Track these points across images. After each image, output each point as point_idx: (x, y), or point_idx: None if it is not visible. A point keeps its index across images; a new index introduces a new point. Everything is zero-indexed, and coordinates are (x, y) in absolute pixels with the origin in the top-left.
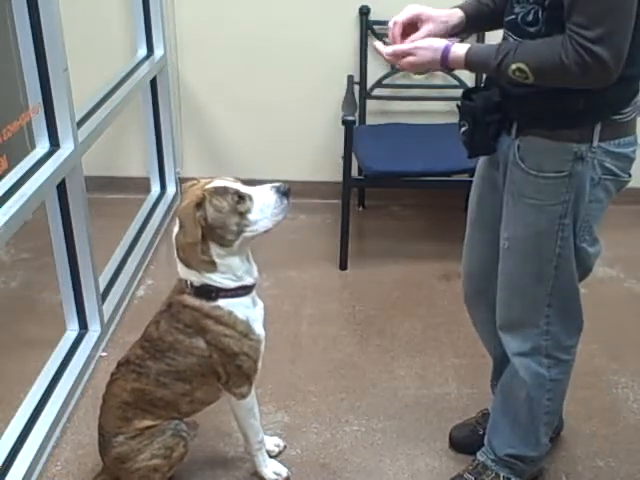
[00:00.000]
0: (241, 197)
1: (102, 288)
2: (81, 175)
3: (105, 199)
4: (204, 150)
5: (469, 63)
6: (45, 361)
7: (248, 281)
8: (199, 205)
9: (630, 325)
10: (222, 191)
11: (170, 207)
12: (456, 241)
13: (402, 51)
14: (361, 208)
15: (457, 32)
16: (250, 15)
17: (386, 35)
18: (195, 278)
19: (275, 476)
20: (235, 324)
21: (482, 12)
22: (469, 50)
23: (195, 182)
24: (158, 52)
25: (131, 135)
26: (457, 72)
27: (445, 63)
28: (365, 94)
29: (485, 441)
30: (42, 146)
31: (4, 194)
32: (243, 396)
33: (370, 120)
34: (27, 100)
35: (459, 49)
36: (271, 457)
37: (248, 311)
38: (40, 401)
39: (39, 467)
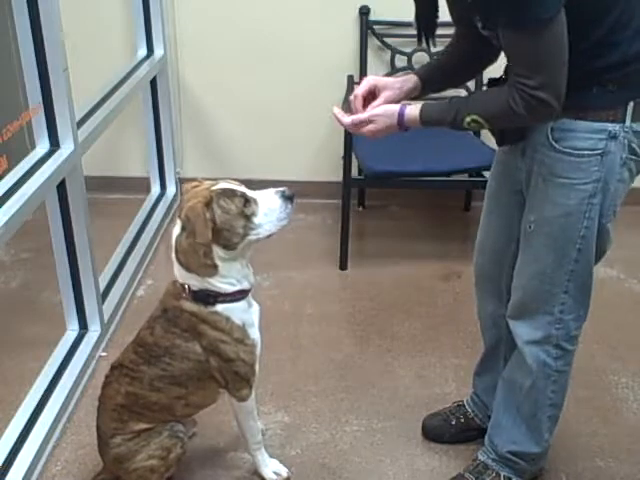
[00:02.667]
0: (247, 200)
1: (102, 288)
2: (81, 175)
3: (105, 199)
4: (204, 150)
5: (425, 122)
6: (45, 361)
7: (245, 285)
8: (207, 205)
9: (630, 325)
10: (229, 193)
11: (170, 207)
12: (456, 241)
13: (360, 120)
14: (361, 208)
15: (415, 96)
16: (250, 15)
17: (386, 35)
18: (195, 282)
19: (275, 476)
20: (231, 330)
21: (435, 76)
22: (422, 111)
23: (197, 183)
24: (158, 52)
25: (131, 135)
26: None
27: (402, 125)
28: None
29: (486, 440)
30: (42, 146)
31: (4, 194)
32: (243, 399)
33: None
34: (27, 100)
35: (412, 110)
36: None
37: (244, 315)
38: (40, 401)
39: (39, 467)
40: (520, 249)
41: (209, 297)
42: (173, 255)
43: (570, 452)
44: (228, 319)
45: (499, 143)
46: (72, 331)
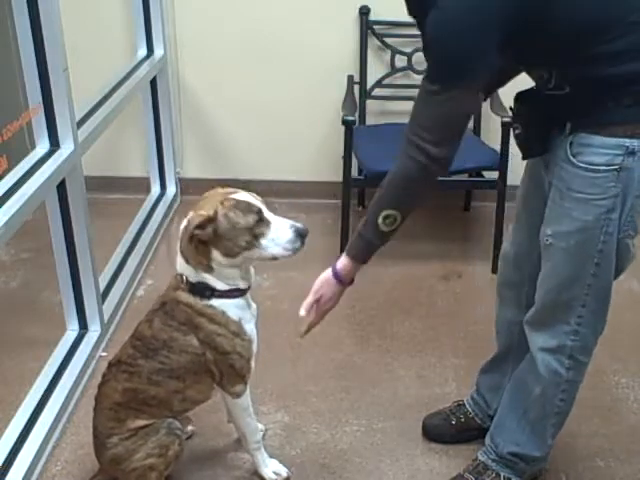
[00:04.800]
0: (261, 220)
1: (102, 288)
2: (81, 175)
3: (105, 199)
4: (204, 150)
5: (353, 256)
6: (45, 361)
7: (242, 285)
8: (210, 221)
9: (630, 325)
10: (244, 207)
11: (170, 207)
12: (456, 241)
13: (309, 304)
14: (361, 208)
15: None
16: (250, 15)
17: (386, 35)
18: (191, 274)
19: (275, 476)
20: (227, 323)
21: None
22: (346, 250)
23: (221, 188)
24: (158, 52)
25: (131, 135)
26: None
27: (339, 277)
28: (365, 94)
29: (487, 440)
30: (42, 146)
31: (4, 194)
32: (238, 395)
33: (370, 120)
34: (27, 100)
35: (340, 260)
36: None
37: (241, 312)
38: (40, 401)
39: (39, 467)
40: (542, 261)
41: (205, 290)
42: (178, 244)
43: (570, 452)
44: (224, 313)
45: (523, 156)
46: (72, 331)
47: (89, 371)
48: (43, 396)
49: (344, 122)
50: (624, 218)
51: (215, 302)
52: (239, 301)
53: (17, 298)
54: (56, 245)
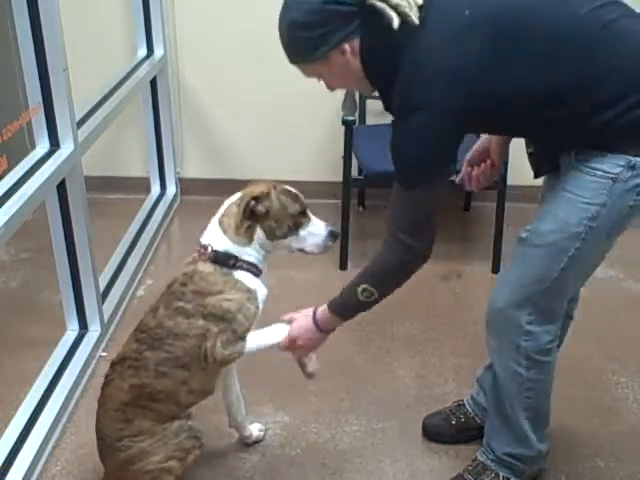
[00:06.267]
0: (304, 212)
1: (102, 288)
2: (81, 175)
3: (105, 199)
4: (204, 150)
5: (333, 309)
6: (45, 361)
7: (261, 266)
8: (266, 197)
9: (629, 325)
10: (293, 196)
11: (170, 207)
12: (456, 241)
13: (286, 345)
14: (361, 208)
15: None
16: (250, 15)
17: None
18: (222, 243)
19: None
20: (239, 289)
21: None
22: (329, 303)
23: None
24: (158, 52)
25: (131, 135)
26: None
27: (317, 324)
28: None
29: (484, 441)
30: (42, 146)
31: (4, 194)
32: (241, 354)
33: (370, 120)
34: (27, 100)
35: (323, 306)
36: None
37: (256, 285)
38: (40, 401)
39: (39, 467)
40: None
41: (229, 259)
42: (215, 218)
43: (570, 452)
44: (238, 281)
45: (535, 175)
46: (72, 331)
47: (89, 371)
48: (43, 396)
49: (344, 122)
50: (610, 224)
51: (234, 272)
52: (255, 279)
53: (17, 298)
54: (56, 245)
